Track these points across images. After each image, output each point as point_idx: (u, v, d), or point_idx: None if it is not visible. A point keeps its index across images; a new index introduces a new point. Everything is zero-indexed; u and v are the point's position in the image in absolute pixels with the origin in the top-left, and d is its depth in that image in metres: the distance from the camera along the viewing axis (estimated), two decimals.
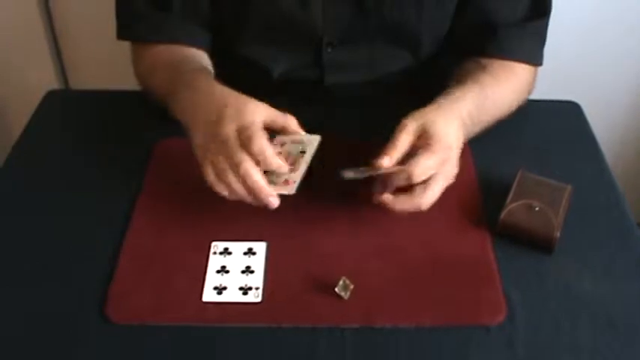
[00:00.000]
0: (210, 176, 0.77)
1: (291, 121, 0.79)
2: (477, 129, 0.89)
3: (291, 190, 0.77)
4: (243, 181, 0.75)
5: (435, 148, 0.78)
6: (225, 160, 0.76)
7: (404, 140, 0.79)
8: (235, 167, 0.75)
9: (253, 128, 0.76)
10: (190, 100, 0.84)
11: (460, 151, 0.83)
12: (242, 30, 1.01)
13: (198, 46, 1.00)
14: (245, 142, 0.76)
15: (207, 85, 0.86)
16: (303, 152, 0.80)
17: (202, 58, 0.99)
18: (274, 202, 0.77)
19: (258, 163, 0.75)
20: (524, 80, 0.98)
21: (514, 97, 0.95)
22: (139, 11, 0.99)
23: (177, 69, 0.93)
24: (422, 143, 0.79)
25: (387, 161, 0.77)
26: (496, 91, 0.92)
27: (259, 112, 0.78)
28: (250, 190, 0.76)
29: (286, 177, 0.78)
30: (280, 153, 0.79)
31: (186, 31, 0.99)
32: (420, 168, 0.77)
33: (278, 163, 0.76)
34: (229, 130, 0.76)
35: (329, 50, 1.01)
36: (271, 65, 1.02)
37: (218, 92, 0.82)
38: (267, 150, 0.75)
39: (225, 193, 0.77)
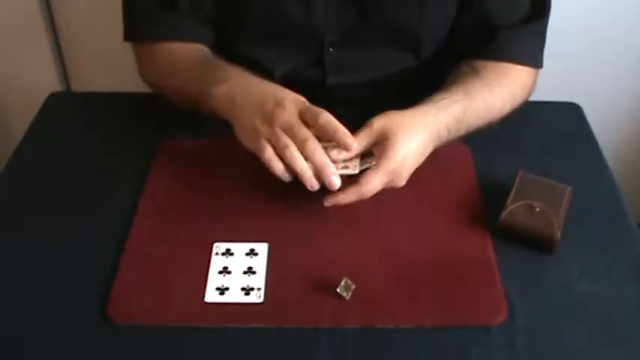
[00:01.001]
0: (267, 153, 0.80)
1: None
2: (453, 137, 0.89)
3: (354, 169, 0.80)
4: (309, 156, 0.78)
5: (387, 163, 0.80)
6: (290, 138, 0.79)
7: (363, 138, 0.81)
8: (302, 144, 0.79)
9: (315, 108, 0.80)
10: (236, 90, 0.86)
11: (422, 159, 0.84)
12: (244, 30, 1.01)
13: (206, 45, 1.00)
14: (311, 119, 0.80)
15: (249, 76, 0.89)
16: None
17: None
18: (336, 181, 0.79)
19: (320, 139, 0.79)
20: (520, 83, 0.97)
21: (507, 101, 0.95)
22: (147, 12, 0.99)
23: (204, 66, 0.94)
24: (379, 149, 0.81)
25: (336, 154, 0.80)
26: (487, 99, 0.91)
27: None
28: (315, 166, 0.79)
29: (345, 163, 0.81)
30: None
31: (194, 29, 1.00)
32: (370, 186, 0.80)
33: (344, 132, 0.79)
34: (292, 113, 0.80)
35: (331, 50, 1.01)
36: (273, 66, 1.03)
37: (265, 83, 0.87)
38: (334, 121, 0.79)
39: (280, 170, 0.80)
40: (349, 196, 0.80)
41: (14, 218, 0.87)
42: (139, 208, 0.86)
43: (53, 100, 1.08)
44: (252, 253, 0.80)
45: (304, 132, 0.79)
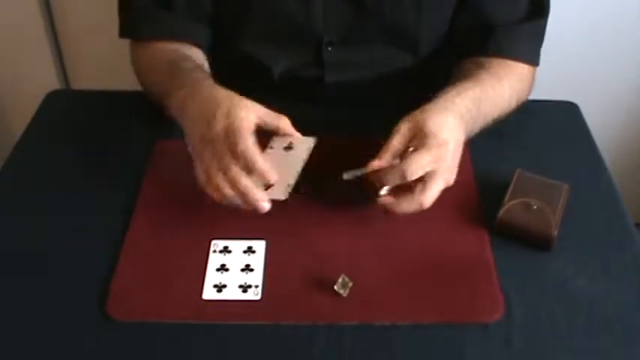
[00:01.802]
0: (202, 179, 0.78)
1: (284, 122, 0.79)
2: (476, 126, 0.88)
3: (281, 195, 0.77)
4: (233, 185, 0.75)
5: (429, 145, 0.78)
6: (216, 163, 0.76)
7: (396, 141, 0.79)
8: (224, 171, 0.75)
9: (241, 130, 0.75)
10: (186, 99, 0.84)
11: (461, 146, 0.82)
12: (243, 29, 1.01)
13: (200, 45, 1.01)
14: (231, 144, 0.75)
15: (203, 85, 0.86)
16: (296, 154, 0.79)
17: (200, 57, 0.99)
18: (264, 206, 0.76)
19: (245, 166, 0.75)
20: (524, 80, 0.98)
21: (514, 95, 0.95)
22: (142, 10, 1.00)
23: (174, 68, 0.93)
24: (417, 142, 0.79)
25: (377, 162, 0.78)
26: (496, 88, 0.91)
27: (250, 113, 0.77)
28: (240, 194, 0.75)
29: (278, 181, 0.77)
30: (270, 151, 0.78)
31: (188, 29, 1.00)
32: (413, 164, 0.77)
33: (261, 167, 0.75)
34: (218, 131, 0.76)
35: (329, 49, 1.01)
36: (272, 64, 1.03)
37: (213, 93, 0.81)
38: (251, 153, 0.74)
39: (215, 196, 0.77)
40: (401, 205, 0.78)
41: (12, 216, 0.87)
42: (138, 206, 0.86)
43: (52, 98, 1.09)
44: (249, 250, 0.81)
45: (226, 159, 0.75)
